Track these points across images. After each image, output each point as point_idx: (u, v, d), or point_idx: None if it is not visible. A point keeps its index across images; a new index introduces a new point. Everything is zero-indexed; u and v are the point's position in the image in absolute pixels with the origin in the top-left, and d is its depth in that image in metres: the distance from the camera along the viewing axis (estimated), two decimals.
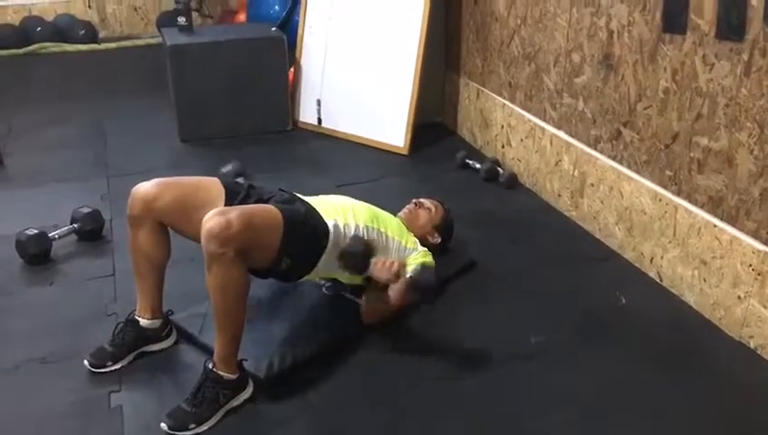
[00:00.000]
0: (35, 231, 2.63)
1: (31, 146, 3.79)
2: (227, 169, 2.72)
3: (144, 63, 5.34)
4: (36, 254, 2.61)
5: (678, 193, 2.34)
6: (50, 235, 2.67)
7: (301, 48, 3.97)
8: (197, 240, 1.85)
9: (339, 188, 2.81)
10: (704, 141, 2.20)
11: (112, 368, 2.03)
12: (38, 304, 2.40)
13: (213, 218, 1.74)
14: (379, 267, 1.93)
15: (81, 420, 1.88)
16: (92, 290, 2.47)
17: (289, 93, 3.94)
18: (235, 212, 1.77)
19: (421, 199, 2.54)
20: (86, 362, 2.03)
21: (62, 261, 2.66)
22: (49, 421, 1.87)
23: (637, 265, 2.58)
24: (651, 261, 2.50)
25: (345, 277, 2.19)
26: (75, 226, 2.77)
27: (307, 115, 3.99)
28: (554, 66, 2.94)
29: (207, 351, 2.03)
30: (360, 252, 1.95)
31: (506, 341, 2.21)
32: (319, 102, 3.92)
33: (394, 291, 2.03)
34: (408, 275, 2.00)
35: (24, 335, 2.22)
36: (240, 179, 2.37)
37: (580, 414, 1.91)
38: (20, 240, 2.61)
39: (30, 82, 5.00)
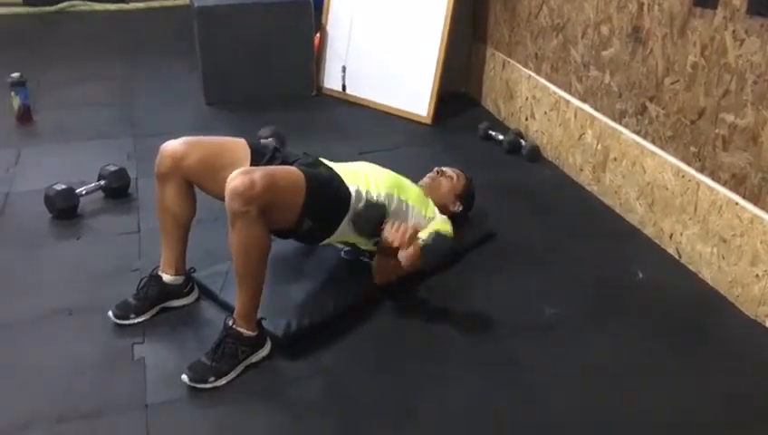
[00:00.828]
0: (63, 186, 2.68)
1: (59, 103, 3.84)
2: (266, 132, 2.70)
3: (172, 25, 5.36)
4: (64, 209, 2.66)
5: (702, 170, 2.33)
6: (77, 191, 2.73)
7: (327, 13, 3.96)
8: (222, 199, 1.89)
9: (361, 156, 2.83)
10: (730, 118, 2.19)
11: (135, 321, 2.09)
12: (65, 258, 2.47)
13: (237, 178, 1.77)
14: (392, 231, 1.97)
15: (106, 369, 1.94)
16: (118, 246, 2.53)
17: (314, 59, 3.95)
18: (259, 172, 1.80)
19: (443, 168, 2.55)
20: (110, 313, 2.09)
21: (89, 217, 2.71)
22: (75, 370, 1.94)
23: (656, 240, 2.58)
24: (671, 237, 2.50)
25: (364, 242, 2.22)
26: (102, 183, 2.82)
27: (331, 81, 4.00)
28: (582, 38, 2.91)
29: (228, 308, 2.08)
30: (373, 216, 1.99)
31: (522, 311, 2.23)
32: (344, 69, 3.92)
33: (404, 255, 2.04)
34: (420, 241, 2.02)
35: (52, 287, 2.29)
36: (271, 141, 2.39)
37: (593, 386, 1.93)
38: (48, 195, 2.67)
39: (59, 40, 5.04)
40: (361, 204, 2.05)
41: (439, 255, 2.04)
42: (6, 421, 1.76)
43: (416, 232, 2.02)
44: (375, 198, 2.10)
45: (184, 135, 2.13)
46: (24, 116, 3.55)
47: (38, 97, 3.71)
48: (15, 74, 3.51)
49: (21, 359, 1.98)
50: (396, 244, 1.99)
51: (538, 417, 1.82)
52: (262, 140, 2.40)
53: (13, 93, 3.51)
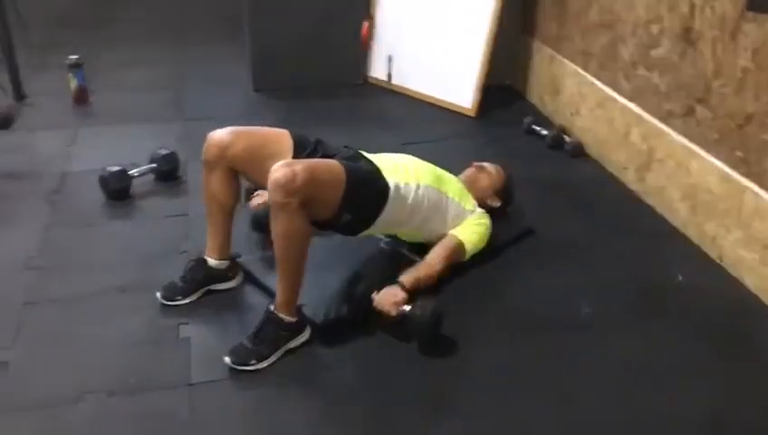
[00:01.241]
0: (117, 168, 2.79)
1: (113, 85, 3.97)
2: None
3: (224, 10, 5.43)
4: (117, 190, 2.77)
5: (747, 175, 2.31)
6: (129, 172, 2.83)
7: (376, 2, 3.98)
8: (265, 188, 1.95)
9: (404, 147, 2.85)
10: None
11: (181, 302, 2.17)
12: (117, 238, 2.57)
13: (279, 169, 1.83)
14: (379, 300, 2.05)
15: (153, 347, 2.04)
16: (167, 228, 2.62)
17: (361, 48, 3.98)
18: (301, 165, 1.85)
19: (483, 163, 2.57)
20: (158, 294, 2.18)
21: (140, 198, 2.82)
22: (125, 346, 2.03)
23: (697, 243, 2.56)
24: (713, 241, 2.48)
25: (403, 234, 2.27)
26: (153, 165, 2.92)
27: (377, 71, 4.03)
28: (631, 37, 2.89)
29: (270, 294, 2.16)
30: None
31: (559, 308, 2.25)
32: (390, 59, 3.95)
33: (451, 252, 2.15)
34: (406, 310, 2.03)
35: (106, 265, 2.39)
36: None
37: (629, 385, 1.95)
38: (102, 176, 2.78)
39: (114, 23, 5.18)
40: (415, 194, 2.07)
41: (423, 326, 2.01)
42: (61, 392, 1.86)
43: (402, 302, 2.05)
44: (422, 193, 2.15)
45: (231, 120, 2.20)
46: (81, 97, 3.68)
47: (93, 79, 3.83)
48: (73, 57, 3.63)
49: (75, 334, 2.08)
50: (385, 311, 2.05)
51: (572, 414, 1.85)
52: None
53: (70, 75, 3.63)
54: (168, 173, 2.94)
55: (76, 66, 3.62)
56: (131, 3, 5.68)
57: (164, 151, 2.95)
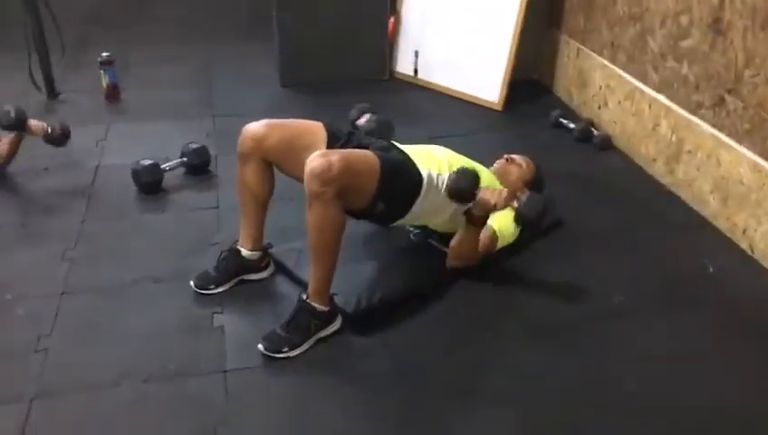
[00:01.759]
0: (149, 162, 2.84)
1: (144, 82, 4.02)
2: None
3: (253, 7, 5.46)
4: (149, 183, 2.82)
5: None
6: (161, 166, 2.88)
7: None
8: (299, 179, 1.98)
9: (432, 141, 2.85)
10: None
11: (215, 291, 2.21)
12: (151, 229, 2.62)
13: (316, 160, 1.86)
14: (489, 191, 2.02)
15: (189, 335, 2.08)
16: (199, 220, 2.67)
17: (388, 43, 4.01)
18: (337, 156, 1.88)
19: (513, 156, 2.58)
20: (192, 283, 2.22)
21: (172, 192, 2.86)
22: (161, 334, 2.08)
23: (728, 235, 2.55)
24: (744, 232, 2.47)
25: (435, 225, 2.29)
26: (184, 159, 2.96)
27: (404, 66, 4.05)
28: (660, 28, 2.88)
29: (301, 284, 2.18)
30: (470, 179, 2.01)
31: (590, 299, 2.26)
32: (416, 54, 3.96)
33: (484, 239, 2.13)
34: (514, 203, 2.04)
35: (140, 256, 2.44)
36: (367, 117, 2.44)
37: (662, 377, 1.95)
38: (135, 169, 2.83)
39: (144, 22, 5.24)
40: (454, 172, 2.06)
41: (533, 213, 2.03)
42: (99, 378, 1.91)
43: (514, 194, 2.03)
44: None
45: (260, 116, 2.23)
46: (112, 94, 3.74)
47: (124, 76, 3.89)
48: (105, 54, 3.70)
49: (111, 322, 2.13)
50: (492, 202, 2.02)
51: (604, 400, 1.86)
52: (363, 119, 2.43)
53: (102, 72, 3.70)
54: (199, 167, 2.98)
55: (108, 63, 3.69)
56: (160, 2, 5.75)
57: (195, 146, 2.99)
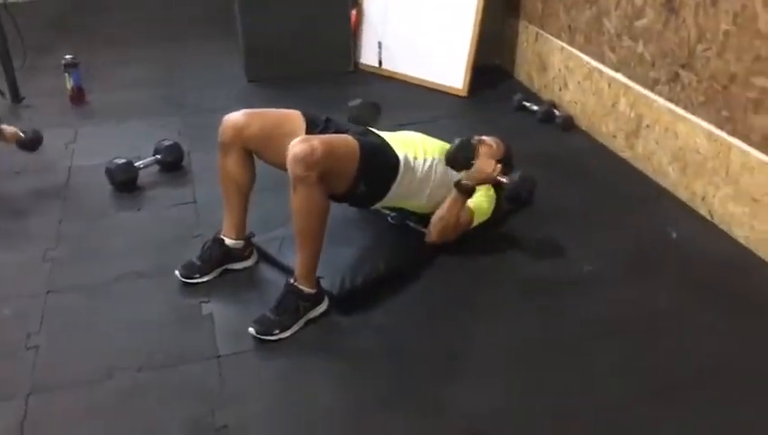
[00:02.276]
0: (123, 160, 2.86)
1: (109, 84, 4.01)
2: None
3: (213, 4, 5.46)
4: (124, 181, 2.84)
5: (733, 133, 2.42)
6: (135, 164, 2.90)
7: None
8: (280, 167, 2.04)
9: (400, 128, 2.93)
10: (761, 82, 2.27)
11: (200, 280, 2.25)
12: (130, 227, 2.64)
13: (298, 145, 1.91)
14: (485, 162, 2.23)
15: (178, 324, 2.12)
16: (177, 215, 2.69)
17: (351, 35, 4.07)
18: (318, 140, 1.94)
19: (483, 136, 2.66)
20: (177, 272, 2.25)
21: (148, 189, 2.88)
22: (150, 325, 2.11)
23: (689, 203, 2.68)
24: (703, 199, 2.60)
25: (413, 206, 2.36)
26: (158, 157, 2.98)
27: (368, 57, 4.12)
28: (615, 9, 3.00)
29: (285, 270, 2.24)
30: (467, 147, 2.24)
31: (561, 269, 2.36)
32: (380, 45, 4.03)
33: (462, 216, 2.27)
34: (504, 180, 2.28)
35: (120, 253, 2.46)
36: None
37: (629, 340, 2.06)
38: (109, 168, 2.84)
39: (105, 25, 5.21)
40: (425, 167, 2.28)
41: (524, 189, 2.38)
42: (91, 371, 1.94)
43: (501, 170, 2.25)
44: (429, 166, 2.26)
45: (229, 111, 2.25)
46: (78, 96, 3.73)
47: (88, 79, 3.88)
48: (69, 56, 3.68)
49: (100, 317, 2.16)
50: (489, 169, 2.24)
51: (581, 368, 1.95)
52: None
53: (66, 75, 3.68)
54: (173, 164, 3.01)
55: (72, 66, 3.67)
56: (117, 5, 5.71)
57: (168, 143, 3.02)
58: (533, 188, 2.54)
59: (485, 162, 2.25)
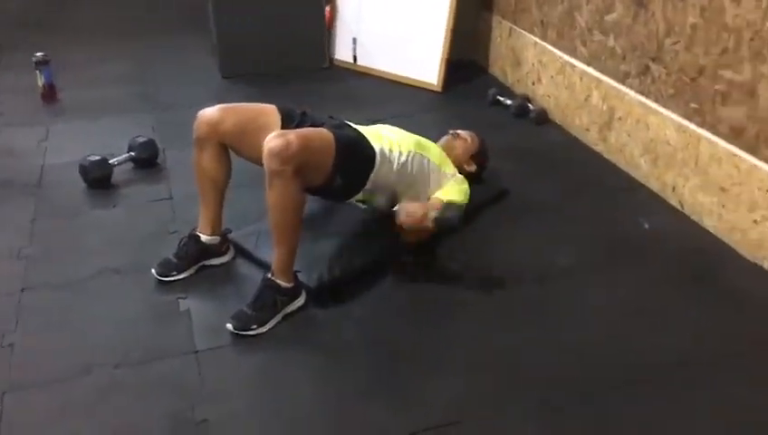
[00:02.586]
0: (97, 157, 2.83)
1: (81, 82, 3.97)
2: None
3: (185, 2, 5.43)
4: (99, 178, 2.81)
5: (702, 124, 2.47)
6: (110, 161, 2.87)
7: None
8: (255, 162, 2.04)
9: (375, 123, 2.96)
10: (728, 74, 2.32)
11: (177, 277, 2.24)
12: (105, 224, 2.62)
13: (274, 139, 1.91)
14: (404, 217, 2.11)
15: (156, 321, 2.11)
16: (153, 212, 2.68)
17: (326, 31, 4.07)
18: (294, 134, 1.95)
19: (458, 131, 2.69)
20: (153, 271, 2.24)
21: (123, 186, 2.86)
22: (127, 322, 2.10)
23: (660, 194, 2.73)
24: (673, 190, 2.65)
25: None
26: (133, 153, 2.96)
27: (343, 53, 4.12)
28: (586, 4, 3.04)
29: (262, 265, 2.25)
30: (386, 203, 2.17)
31: (537, 261, 2.39)
32: (354, 41, 4.04)
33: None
34: (434, 214, 2.13)
35: (97, 250, 2.44)
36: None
37: (605, 327, 2.09)
38: (83, 165, 2.82)
39: (76, 22, 5.15)
40: (400, 161, 2.22)
41: (452, 223, 2.18)
42: (68, 368, 1.92)
43: (426, 213, 2.12)
44: (405, 158, 2.25)
45: (204, 107, 2.24)
46: (49, 94, 3.69)
47: (59, 77, 3.83)
48: (39, 54, 3.63)
49: (76, 314, 2.14)
50: (409, 224, 2.11)
51: (557, 355, 1.99)
52: None
53: (38, 72, 3.64)
54: (148, 160, 2.99)
55: (43, 63, 3.63)
56: (87, 2, 5.64)
57: (142, 139, 2.99)
58: (459, 220, 2.26)
59: (404, 218, 2.12)
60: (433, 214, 2.13)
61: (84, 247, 2.47)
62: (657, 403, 1.81)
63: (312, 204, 2.32)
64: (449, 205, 2.23)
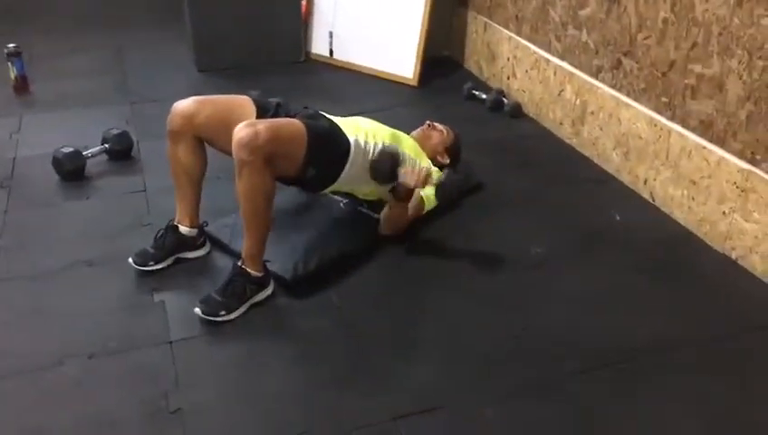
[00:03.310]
0: (71, 149, 2.80)
1: (54, 73, 3.92)
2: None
3: None
4: (72, 170, 2.78)
5: (672, 118, 2.52)
6: (83, 153, 2.85)
7: None
8: (230, 153, 2.03)
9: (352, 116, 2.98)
10: (698, 69, 2.37)
11: (154, 268, 2.23)
12: (78, 216, 2.60)
13: (243, 129, 1.92)
14: (409, 173, 2.12)
15: (130, 311, 2.10)
16: (127, 204, 2.66)
17: (302, 25, 4.06)
18: (263, 124, 1.95)
19: (434, 122, 2.71)
20: (131, 260, 2.23)
21: (96, 178, 2.84)
22: (101, 313, 2.09)
23: (632, 186, 2.77)
24: (645, 183, 2.69)
25: (364, 193, 2.39)
26: (106, 145, 2.94)
27: (319, 47, 4.12)
28: None
29: (236, 256, 2.23)
30: (389, 160, 2.13)
31: (511, 251, 2.42)
32: (331, 35, 4.04)
33: (413, 206, 2.27)
34: (434, 180, 2.17)
35: (69, 242, 2.42)
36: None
37: (577, 314, 2.13)
38: (56, 157, 2.79)
39: (47, 11, 5.08)
40: (376, 153, 2.20)
41: (454, 188, 2.22)
42: (41, 359, 1.91)
43: (430, 172, 2.15)
44: (379, 147, 2.25)
45: (179, 100, 2.23)
46: (21, 86, 3.64)
47: (33, 68, 3.79)
48: (11, 45, 3.59)
49: (48, 305, 2.12)
50: (413, 185, 2.13)
51: (529, 343, 2.01)
52: None
53: (9, 64, 3.59)
54: (122, 152, 2.96)
55: (15, 55, 3.58)
56: None
57: (116, 131, 2.97)
58: (463, 188, 2.34)
59: (410, 173, 2.12)
60: (435, 179, 2.17)
61: (57, 239, 2.45)
62: (631, 387, 1.85)
63: (290, 196, 2.33)
64: (450, 172, 2.27)
